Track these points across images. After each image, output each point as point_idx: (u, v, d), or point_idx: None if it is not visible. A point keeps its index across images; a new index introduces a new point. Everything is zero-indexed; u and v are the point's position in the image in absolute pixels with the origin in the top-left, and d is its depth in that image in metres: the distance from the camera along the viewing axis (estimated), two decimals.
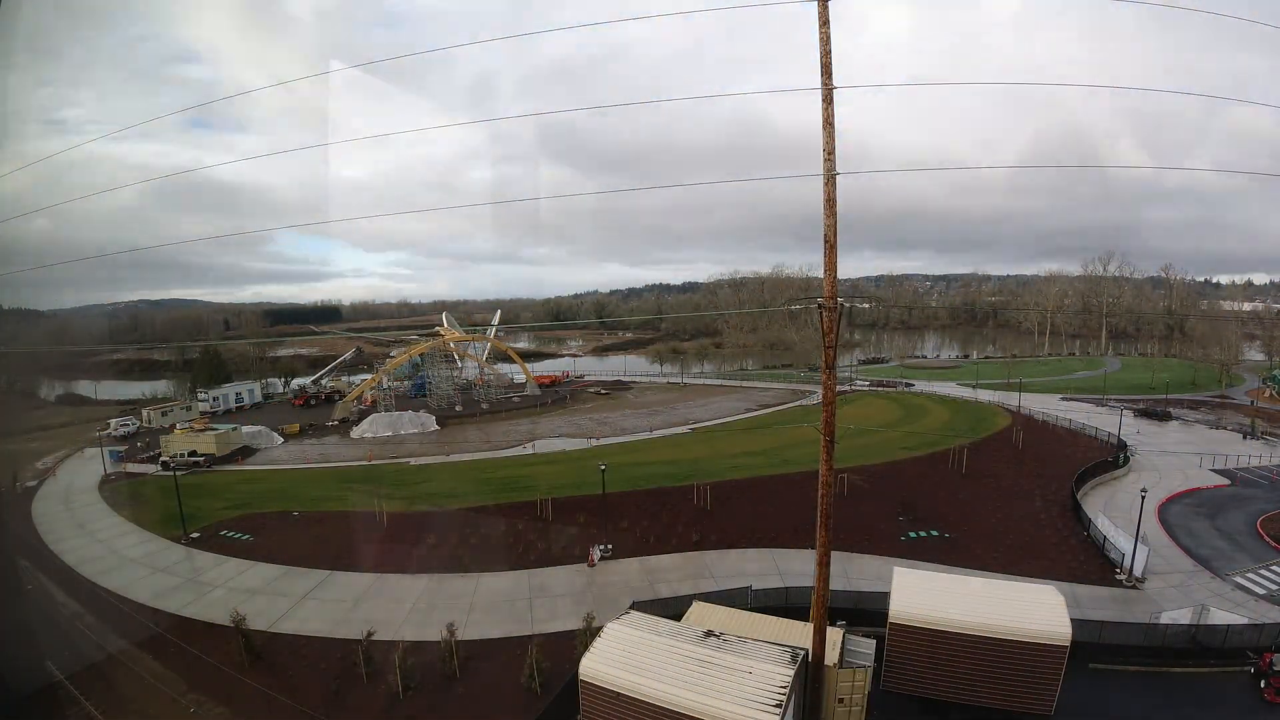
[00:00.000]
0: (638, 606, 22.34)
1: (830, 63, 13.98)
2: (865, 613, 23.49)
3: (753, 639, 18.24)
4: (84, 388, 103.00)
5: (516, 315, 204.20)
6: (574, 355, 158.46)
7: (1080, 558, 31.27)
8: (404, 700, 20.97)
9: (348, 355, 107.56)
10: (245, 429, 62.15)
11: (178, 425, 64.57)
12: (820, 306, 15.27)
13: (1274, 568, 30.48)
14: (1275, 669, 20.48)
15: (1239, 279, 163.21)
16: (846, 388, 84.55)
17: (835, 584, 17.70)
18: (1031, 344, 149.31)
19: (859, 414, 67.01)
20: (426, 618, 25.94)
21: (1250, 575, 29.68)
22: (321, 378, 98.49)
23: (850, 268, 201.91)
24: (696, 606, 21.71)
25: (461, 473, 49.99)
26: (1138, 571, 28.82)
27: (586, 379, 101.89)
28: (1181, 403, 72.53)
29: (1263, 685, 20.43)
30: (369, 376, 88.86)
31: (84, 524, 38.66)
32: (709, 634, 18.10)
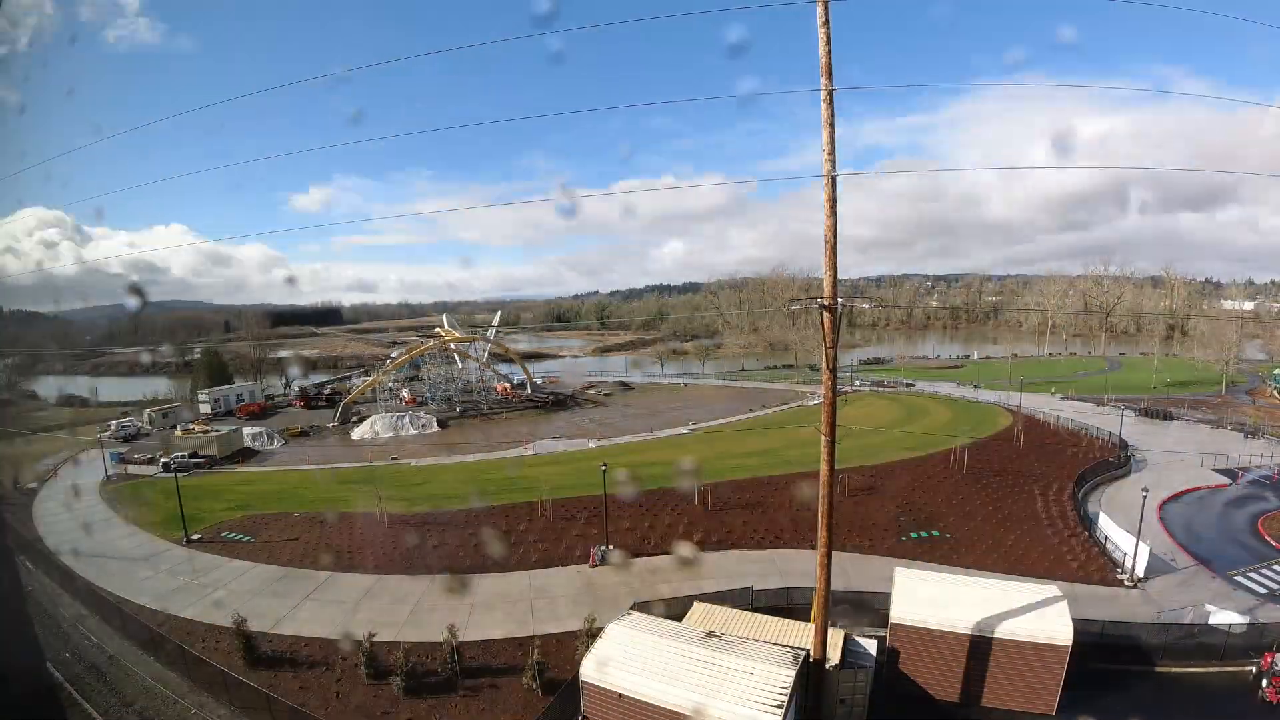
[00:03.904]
0: (639, 607, 22.33)
1: (830, 63, 13.97)
2: (867, 613, 23.48)
3: (754, 639, 18.26)
4: (85, 389, 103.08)
5: (517, 317, 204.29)
6: (575, 356, 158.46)
7: (1081, 558, 31.22)
8: (405, 701, 20.96)
9: (355, 378, 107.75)
10: (246, 430, 62.22)
11: (179, 426, 64.64)
12: (821, 307, 15.27)
13: (1275, 567, 30.44)
14: (1277, 669, 20.45)
15: (1240, 278, 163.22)
16: (847, 388, 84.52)
17: (836, 584, 17.70)
18: (1033, 344, 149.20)
19: (860, 414, 66.96)
20: (427, 619, 25.94)
21: (1251, 575, 29.64)
22: (325, 385, 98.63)
23: (851, 268, 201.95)
24: (697, 607, 21.72)
25: (462, 474, 49.98)
26: (1139, 571, 28.78)
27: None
28: (1183, 402, 72.45)
29: (1264, 685, 20.40)
30: (370, 378, 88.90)
31: (85, 525, 38.67)
32: (710, 634, 18.11)
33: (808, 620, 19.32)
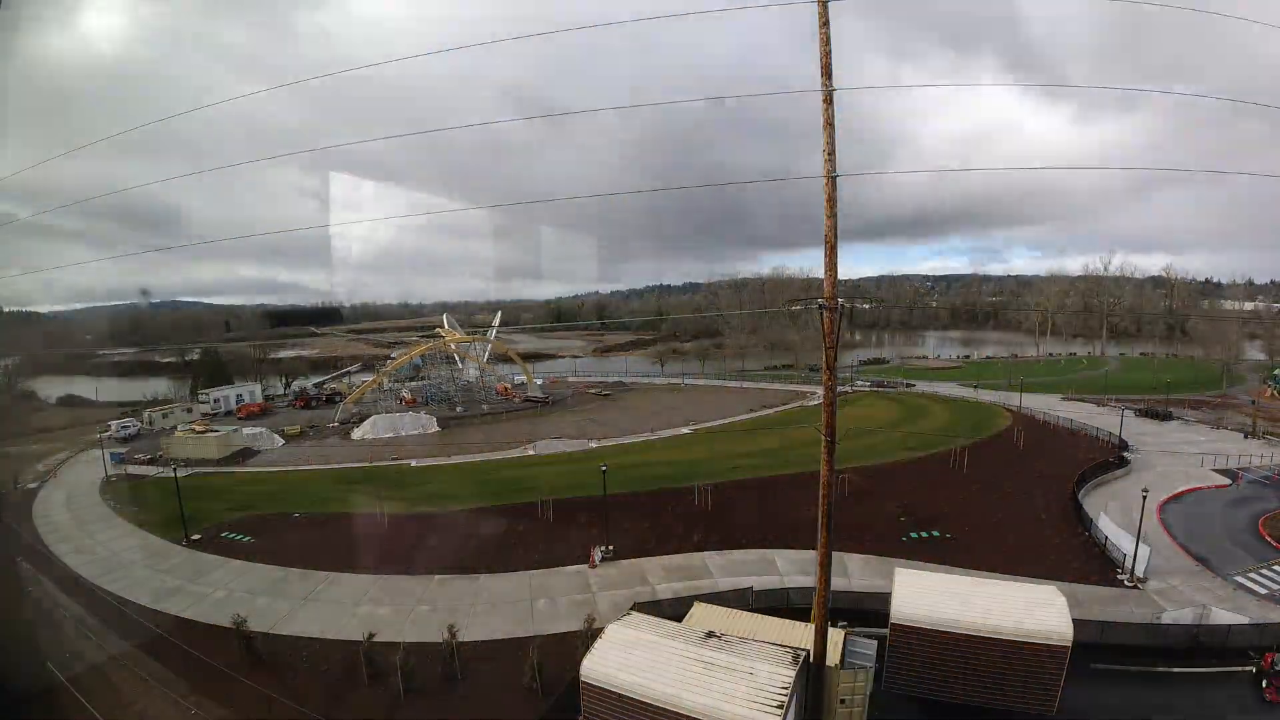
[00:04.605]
0: (639, 607, 22.34)
1: (830, 64, 13.96)
2: (866, 613, 23.47)
3: (754, 640, 18.23)
4: (85, 389, 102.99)
5: (517, 316, 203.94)
6: (575, 356, 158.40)
7: (1082, 558, 31.24)
8: (405, 702, 20.97)
9: (353, 368, 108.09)
10: (246, 430, 62.25)
11: (179, 427, 64.67)
12: (821, 307, 15.27)
13: (1275, 567, 30.43)
14: (1277, 669, 20.47)
15: (1240, 278, 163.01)
16: (847, 388, 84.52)
17: (836, 584, 17.72)
18: (1033, 344, 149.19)
19: (860, 414, 66.97)
20: (428, 619, 25.94)
21: (1251, 575, 29.64)
22: (325, 383, 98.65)
23: (851, 268, 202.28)
24: (698, 607, 21.69)
25: (462, 474, 50.00)
26: (1139, 571, 28.79)
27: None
28: (1182, 402, 72.44)
29: (1264, 685, 20.42)
30: (369, 378, 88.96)
31: (85, 526, 38.69)
32: (710, 635, 18.08)
33: (807, 620, 19.32)
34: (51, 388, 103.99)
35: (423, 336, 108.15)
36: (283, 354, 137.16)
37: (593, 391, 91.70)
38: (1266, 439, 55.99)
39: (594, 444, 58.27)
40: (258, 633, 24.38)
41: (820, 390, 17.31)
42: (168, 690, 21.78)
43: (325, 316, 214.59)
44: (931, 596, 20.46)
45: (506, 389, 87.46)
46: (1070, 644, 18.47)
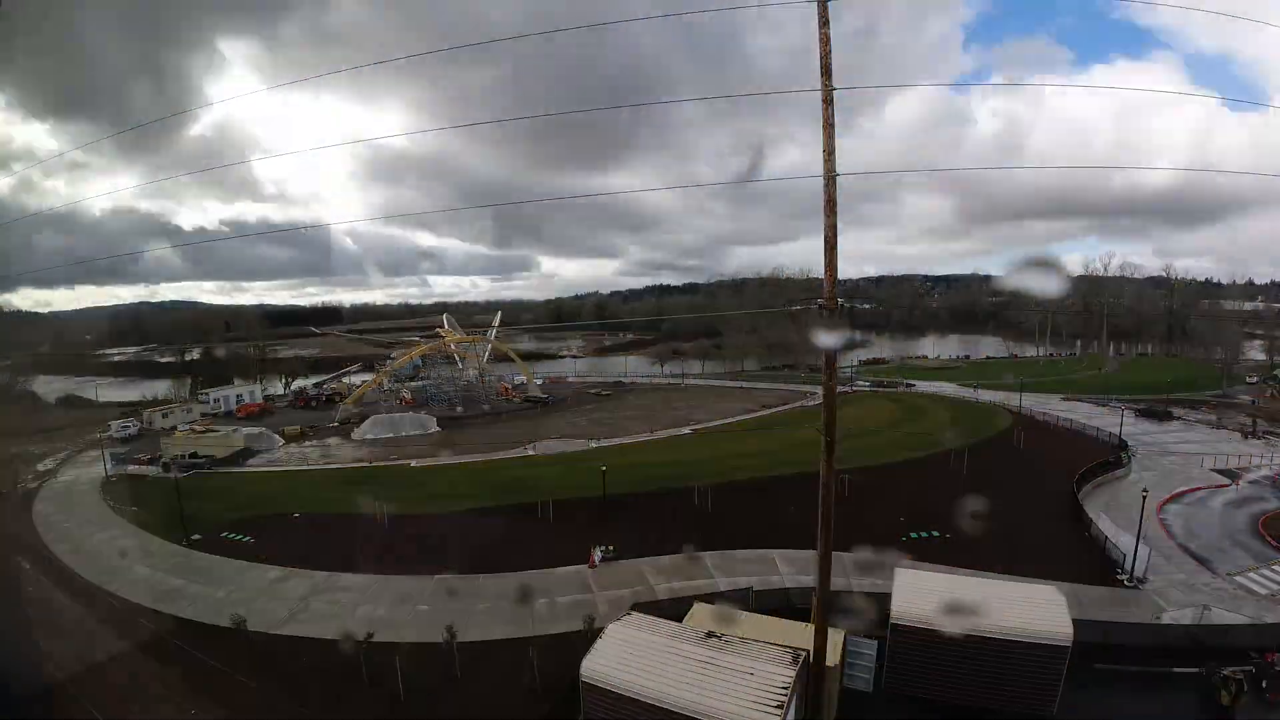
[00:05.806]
0: (639, 608, 22.33)
1: (830, 64, 13.94)
2: (866, 613, 23.40)
3: (754, 640, 18.24)
4: (85, 389, 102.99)
5: (517, 317, 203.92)
6: (575, 356, 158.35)
7: (1081, 558, 31.22)
8: (405, 702, 20.95)
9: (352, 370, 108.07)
10: (246, 430, 62.23)
11: (178, 427, 64.71)
12: (820, 307, 15.26)
13: (1275, 567, 30.45)
14: (1277, 669, 20.45)
15: (1240, 278, 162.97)
16: (847, 388, 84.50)
17: (835, 585, 17.72)
18: (1033, 344, 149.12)
19: (859, 415, 66.91)
20: (427, 619, 25.93)
21: (1252, 575, 29.65)
22: (324, 384, 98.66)
23: (851, 268, 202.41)
24: (698, 607, 21.73)
25: (462, 474, 49.98)
26: (1139, 572, 28.79)
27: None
28: (1182, 402, 72.43)
29: (1264, 685, 20.40)
30: (369, 378, 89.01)
31: (85, 526, 38.69)
32: (710, 635, 18.11)
33: (807, 621, 19.32)
34: (51, 388, 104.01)
35: (423, 337, 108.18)
36: (283, 353, 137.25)
37: (593, 391, 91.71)
38: (1266, 439, 56.01)
39: (593, 444, 58.26)
40: (257, 633, 24.38)
41: (820, 390, 17.31)
42: (167, 691, 21.77)
43: (325, 316, 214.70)
44: (931, 596, 20.47)
45: (507, 389, 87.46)
46: (1070, 644, 18.48)
